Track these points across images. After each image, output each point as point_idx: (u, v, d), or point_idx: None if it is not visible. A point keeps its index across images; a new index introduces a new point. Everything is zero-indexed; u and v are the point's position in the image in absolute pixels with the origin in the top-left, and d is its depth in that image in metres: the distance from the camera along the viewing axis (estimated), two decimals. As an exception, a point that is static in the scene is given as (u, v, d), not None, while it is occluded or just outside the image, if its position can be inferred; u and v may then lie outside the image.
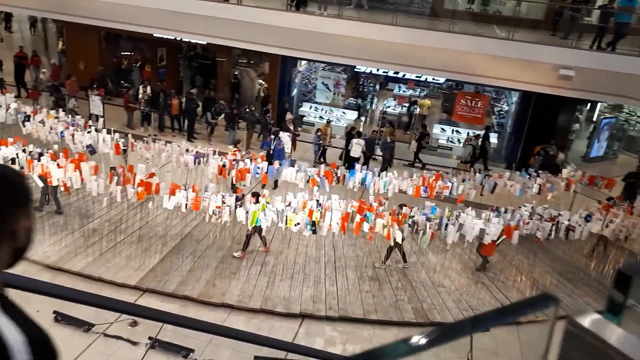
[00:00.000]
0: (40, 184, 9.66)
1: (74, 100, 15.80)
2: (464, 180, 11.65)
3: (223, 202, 9.22)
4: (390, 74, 17.61)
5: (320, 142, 15.14)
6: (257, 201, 9.35)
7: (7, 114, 12.26)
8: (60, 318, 7.88)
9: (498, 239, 9.74)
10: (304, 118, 18.27)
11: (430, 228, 9.50)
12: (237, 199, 9.29)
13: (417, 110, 18.25)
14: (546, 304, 1.21)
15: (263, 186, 12.44)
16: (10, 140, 9.95)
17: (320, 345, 8.21)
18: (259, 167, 11.04)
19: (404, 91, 18.88)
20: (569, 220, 10.30)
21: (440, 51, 12.96)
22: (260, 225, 9.46)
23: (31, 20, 26.00)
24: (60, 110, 13.26)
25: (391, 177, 11.22)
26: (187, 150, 11.34)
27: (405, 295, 9.57)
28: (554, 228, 10.13)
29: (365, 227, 9.29)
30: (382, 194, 11.01)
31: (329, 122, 16.34)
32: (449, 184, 11.39)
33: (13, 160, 9.51)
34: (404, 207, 9.86)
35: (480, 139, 15.68)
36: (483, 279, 10.39)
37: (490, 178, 12.06)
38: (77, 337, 7.70)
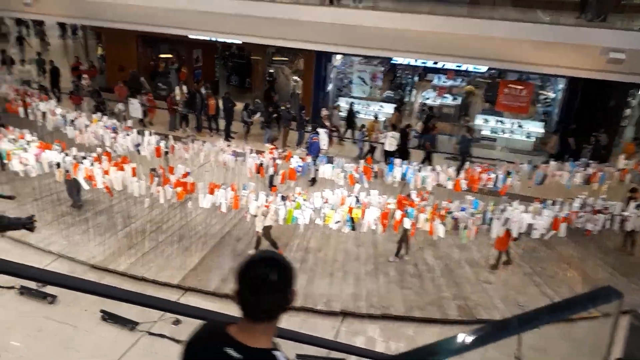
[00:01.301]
0: (86, 187, 9.92)
1: (121, 105, 16.20)
2: (509, 173, 11.19)
3: (267, 201, 9.17)
4: (429, 64, 17.20)
5: (366, 138, 14.71)
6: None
7: (51, 120, 12.68)
8: (107, 317, 8.06)
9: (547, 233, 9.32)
10: (340, 113, 18.07)
11: (473, 223, 9.16)
12: (283, 198, 9.27)
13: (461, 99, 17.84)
14: (608, 299, 1.04)
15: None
16: (56, 146, 10.24)
17: (362, 343, 8.06)
18: (300, 166, 10.98)
19: (443, 82, 18.42)
20: (622, 211, 9.72)
21: (481, 39, 12.51)
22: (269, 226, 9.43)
23: (72, 28, 27.00)
24: (101, 114, 13.61)
25: (429, 170, 10.90)
26: (222, 150, 11.40)
27: (449, 292, 9.29)
28: (607, 220, 9.59)
29: (407, 223, 9.05)
30: (421, 188, 10.71)
31: (376, 117, 15.92)
32: (493, 176, 10.98)
33: (58, 165, 9.79)
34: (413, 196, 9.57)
35: (559, 133, 14.69)
36: (531, 274, 9.96)
37: (538, 169, 11.54)
38: (122, 336, 7.85)
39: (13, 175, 10.88)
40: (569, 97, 15.74)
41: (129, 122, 12.48)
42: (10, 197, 5.49)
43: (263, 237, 9.71)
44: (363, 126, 15.19)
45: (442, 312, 8.77)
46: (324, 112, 15.45)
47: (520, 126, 17.00)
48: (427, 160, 13.77)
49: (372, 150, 14.87)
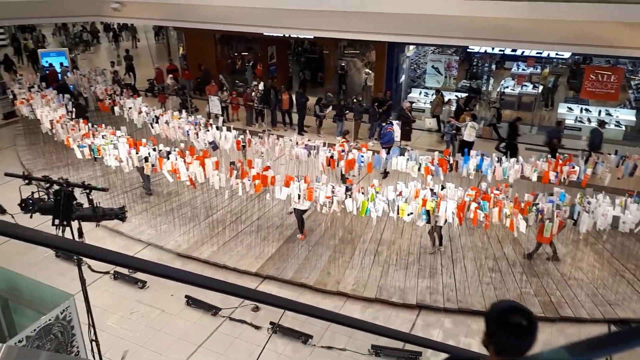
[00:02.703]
0: (170, 180, 10.51)
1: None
2: (596, 164, 10.49)
3: (332, 193, 9.26)
4: (507, 51, 16.47)
5: (454, 131, 14.17)
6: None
7: (138, 117, 13.51)
8: (191, 302, 8.54)
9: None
10: (413, 104, 17.77)
11: (558, 216, 8.70)
12: (346, 189, 9.31)
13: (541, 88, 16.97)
14: None
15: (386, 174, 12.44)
16: (144, 140, 10.93)
17: (439, 337, 7.96)
18: (362, 156, 10.96)
19: (523, 69, 17.59)
20: None
21: (565, 23, 11.78)
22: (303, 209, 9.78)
23: (155, 29, 28.69)
24: (184, 111, 14.30)
25: (512, 162, 10.46)
26: (297, 143, 11.61)
27: (531, 288, 8.91)
28: None
29: (480, 215, 8.76)
30: (502, 180, 10.31)
31: (469, 109, 15.17)
32: (577, 168, 10.34)
33: (146, 159, 10.44)
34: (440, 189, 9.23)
35: None
36: (623, 271, 9.32)
37: (629, 159, 10.72)
38: (206, 320, 8.29)
39: (106, 168, 11.77)
40: (666, 82, 14.48)
41: (219, 120, 13.02)
42: (104, 189, 5.94)
43: (297, 217, 10.23)
44: (452, 118, 14.73)
45: (524, 309, 8.43)
46: (406, 103, 15.08)
47: (608, 114, 15.87)
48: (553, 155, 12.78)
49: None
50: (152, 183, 12.32)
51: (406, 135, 14.23)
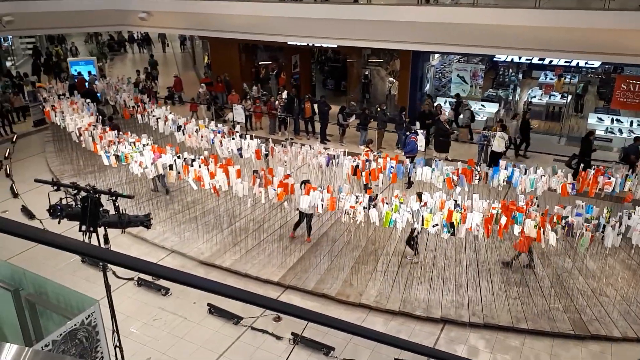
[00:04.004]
0: (195, 187, 10.56)
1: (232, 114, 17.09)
2: (627, 176, 10.18)
3: (357, 202, 9.15)
4: (535, 60, 16.18)
5: (485, 142, 13.81)
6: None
7: (164, 125, 13.65)
8: (214, 310, 8.53)
9: None
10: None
11: (587, 230, 8.43)
12: (370, 199, 9.20)
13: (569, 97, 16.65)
14: None
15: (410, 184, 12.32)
16: (169, 150, 11.03)
17: (464, 353, 7.76)
18: (392, 167, 10.84)
19: (550, 79, 17.26)
20: None
21: (595, 32, 11.53)
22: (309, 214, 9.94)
23: (181, 38, 29.17)
24: (206, 119, 14.40)
25: (539, 174, 10.21)
26: (319, 152, 11.55)
27: (560, 304, 8.63)
28: None
29: (516, 230, 8.53)
30: (530, 192, 10.07)
31: (501, 120, 14.66)
32: (612, 180, 10.02)
33: (171, 166, 10.52)
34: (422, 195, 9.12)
35: None
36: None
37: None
38: (227, 329, 8.26)
39: (131, 176, 11.91)
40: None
41: (237, 127, 13.11)
42: (129, 197, 6.01)
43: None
44: (486, 129, 14.47)
45: (553, 325, 8.18)
46: (444, 116, 14.77)
47: (640, 125, 15.45)
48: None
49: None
50: (178, 190, 12.41)
51: (444, 147, 14.05)
